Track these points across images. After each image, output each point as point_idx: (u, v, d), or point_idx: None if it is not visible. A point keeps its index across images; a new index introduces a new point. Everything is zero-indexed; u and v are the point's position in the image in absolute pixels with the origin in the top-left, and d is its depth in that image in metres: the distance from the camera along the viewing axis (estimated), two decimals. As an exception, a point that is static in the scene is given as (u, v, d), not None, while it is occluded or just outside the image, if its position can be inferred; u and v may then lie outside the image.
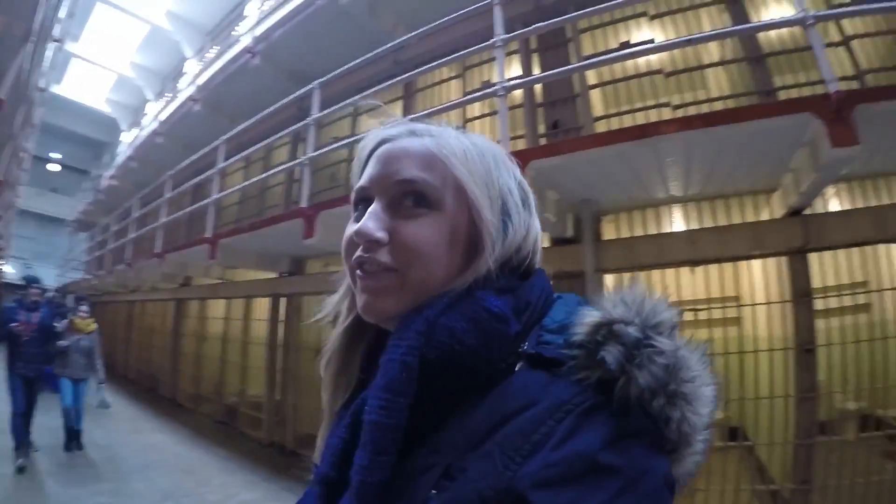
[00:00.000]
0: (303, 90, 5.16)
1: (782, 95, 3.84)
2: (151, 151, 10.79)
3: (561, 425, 0.41)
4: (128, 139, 15.26)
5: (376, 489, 0.46)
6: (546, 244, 4.01)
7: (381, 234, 0.54)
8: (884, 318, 3.55)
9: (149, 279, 8.73)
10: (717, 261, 3.77)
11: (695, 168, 3.40)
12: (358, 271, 0.56)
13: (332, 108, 4.68)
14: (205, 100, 8.47)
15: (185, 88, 10.05)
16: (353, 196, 0.61)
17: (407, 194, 0.56)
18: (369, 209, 0.56)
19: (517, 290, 0.55)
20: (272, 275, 6.74)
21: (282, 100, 5.37)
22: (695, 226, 4.10)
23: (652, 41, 4.54)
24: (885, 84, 3.02)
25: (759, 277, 4.29)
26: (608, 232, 4.27)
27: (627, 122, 4.31)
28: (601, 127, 4.40)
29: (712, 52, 4.31)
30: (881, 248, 3.44)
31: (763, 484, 3.61)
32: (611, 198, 4.02)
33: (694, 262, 3.86)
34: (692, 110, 4.11)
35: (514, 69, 5.11)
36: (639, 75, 4.48)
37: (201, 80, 8.82)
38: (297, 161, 4.98)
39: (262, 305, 7.07)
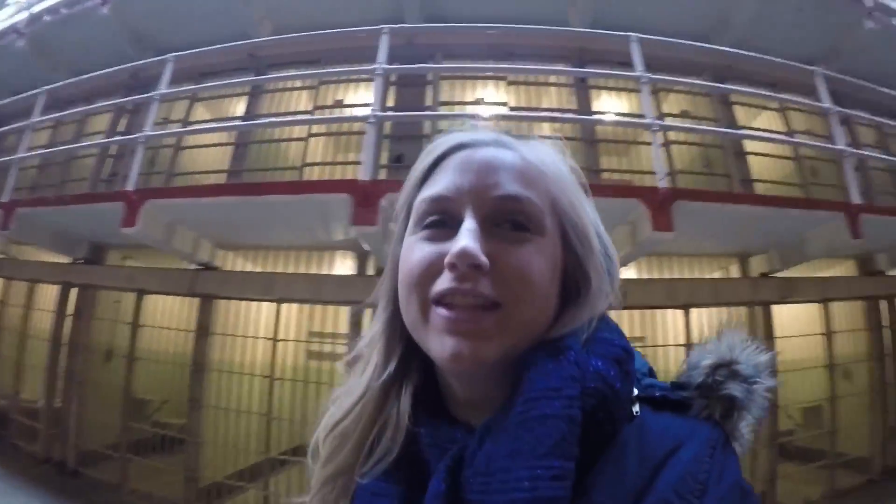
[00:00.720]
0: (153, 59, 4.27)
1: (605, 175, 4.16)
2: (-52, 82, 8.07)
3: (714, 461, 0.38)
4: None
5: None
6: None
7: (485, 259, 0.40)
8: (667, 368, 3.95)
9: None
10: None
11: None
12: (439, 308, 0.40)
13: (178, 90, 3.84)
14: (32, 37, 6.49)
15: (7, 19, 7.72)
16: (417, 208, 0.46)
17: (506, 214, 0.43)
18: (465, 227, 0.41)
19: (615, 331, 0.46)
20: (65, 259, 5.27)
21: (117, 61, 4.28)
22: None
23: (505, 104, 4.63)
24: (692, 186, 3.48)
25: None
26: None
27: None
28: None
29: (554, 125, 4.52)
30: (668, 312, 3.87)
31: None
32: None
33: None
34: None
35: (362, 95, 4.79)
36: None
37: (35, 11, 6.71)
38: (131, 136, 4.05)
39: (48, 294, 5.48)
